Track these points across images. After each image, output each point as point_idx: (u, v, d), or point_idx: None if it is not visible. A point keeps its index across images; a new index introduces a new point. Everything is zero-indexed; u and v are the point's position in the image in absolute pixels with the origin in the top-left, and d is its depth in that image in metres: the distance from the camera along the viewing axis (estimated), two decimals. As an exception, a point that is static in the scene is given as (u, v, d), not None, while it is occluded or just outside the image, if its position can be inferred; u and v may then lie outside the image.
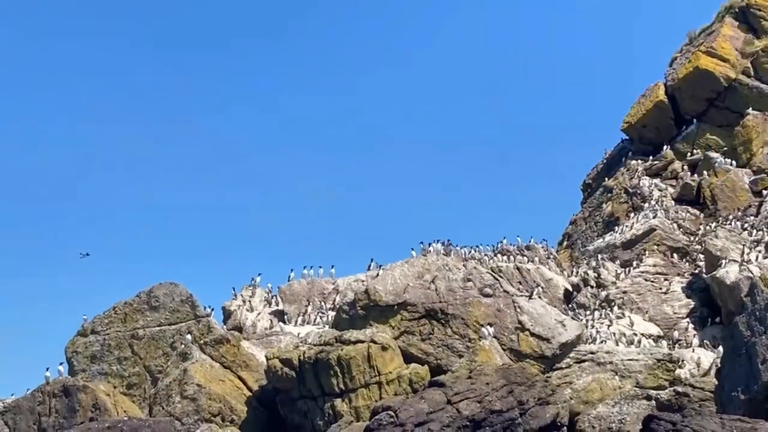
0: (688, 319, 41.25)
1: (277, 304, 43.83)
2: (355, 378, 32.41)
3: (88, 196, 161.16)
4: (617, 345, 36.54)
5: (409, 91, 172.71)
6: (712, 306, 41.01)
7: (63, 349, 39.18)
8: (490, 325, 34.68)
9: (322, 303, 43.05)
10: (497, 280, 38.21)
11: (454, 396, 29.11)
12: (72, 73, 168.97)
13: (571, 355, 35.36)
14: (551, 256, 51.09)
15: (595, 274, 45.62)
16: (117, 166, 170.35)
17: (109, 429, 28.16)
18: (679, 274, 44.90)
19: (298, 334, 38.67)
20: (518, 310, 36.20)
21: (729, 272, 38.79)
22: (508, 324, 35.65)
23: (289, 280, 45.22)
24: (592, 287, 44.65)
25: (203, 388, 34.54)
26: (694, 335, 38.65)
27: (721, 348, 32.18)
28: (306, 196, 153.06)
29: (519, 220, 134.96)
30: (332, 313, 40.20)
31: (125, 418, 30.73)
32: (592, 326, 38.34)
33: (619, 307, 41.14)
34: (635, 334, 37.82)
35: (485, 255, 44.93)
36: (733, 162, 51.88)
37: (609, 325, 38.58)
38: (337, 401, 32.43)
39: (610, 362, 34.72)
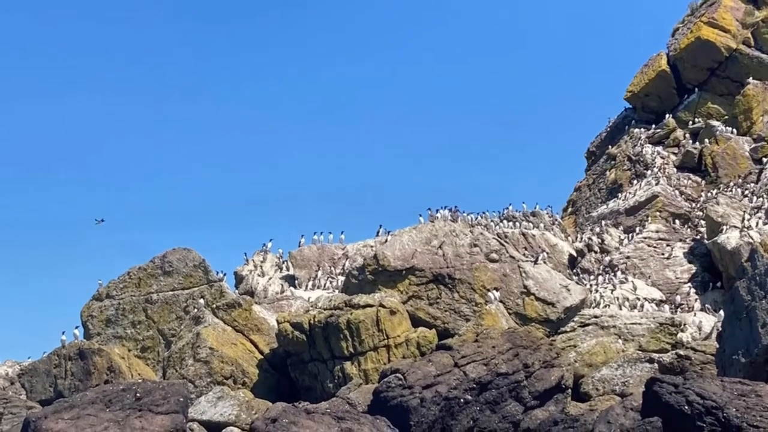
0: (689, 284, 41.72)
1: (287, 269, 44.22)
2: (364, 341, 32.83)
3: (105, 163, 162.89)
4: (620, 309, 37.18)
5: (418, 61, 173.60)
6: (713, 271, 41.60)
7: (78, 313, 39.81)
8: (496, 289, 35.14)
9: (332, 268, 43.45)
10: (503, 245, 38.67)
11: (460, 359, 29.72)
12: (90, 45, 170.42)
13: (576, 319, 35.93)
14: (556, 222, 51.35)
15: (599, 240, 46.16)
16: (132, 134, 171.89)
17: (123, 391, 28.28)
18: (681, 240, 45.36)
19: (309, 298, 39.17)
20: (524, 275, 36.73)
21: (730, 238, 39.34)
22: (513, 289, 36.20)
23: (299, 246, 45.51)
24: (596, 253, 45.10)
25: (216, 352, 34.85)
26: (696, 300, 39.31)
27: (722, 312, 32.51)
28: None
29: (524, 187, 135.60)
30: (342, 278, 40.73)
31: (139, 381, 30.85)
32: (596, 291, 38.87)
33: (623, 272, 41.62)
34: (638, 299, 38.33)
35: (491, 221, 45.21)
36: (734, 130, 52.60)
37: (612, 290, 39.00)
38: (347, 364, 32.90)
39: (614, 326, 35.32)
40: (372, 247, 42.12)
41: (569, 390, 30.81)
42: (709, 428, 21.58)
